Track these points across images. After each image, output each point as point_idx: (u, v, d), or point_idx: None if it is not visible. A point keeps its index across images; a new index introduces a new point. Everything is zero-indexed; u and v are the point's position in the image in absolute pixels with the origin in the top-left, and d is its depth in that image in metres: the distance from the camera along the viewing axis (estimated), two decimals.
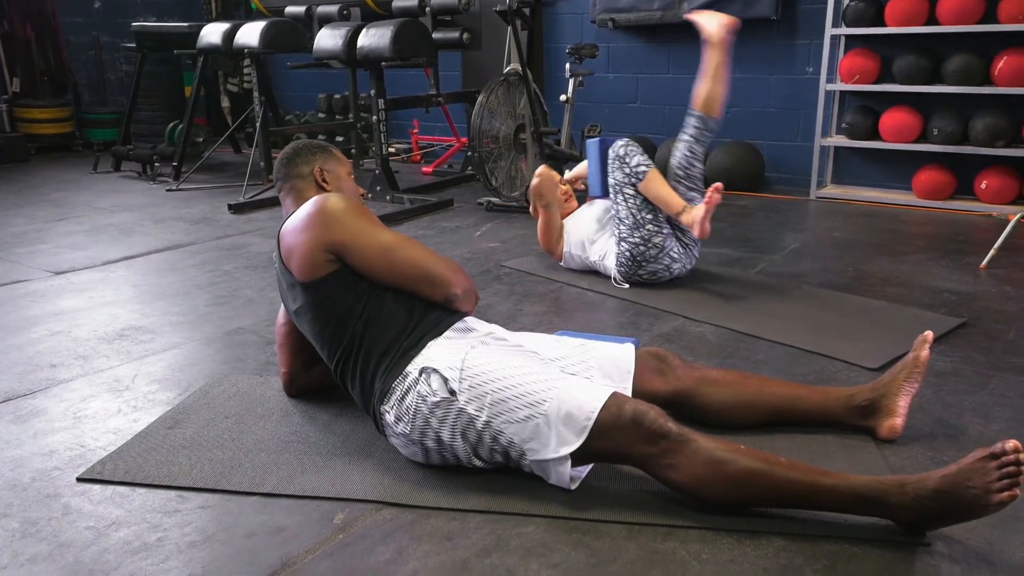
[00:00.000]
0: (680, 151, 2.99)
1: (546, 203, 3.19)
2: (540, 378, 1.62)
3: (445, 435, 1.65)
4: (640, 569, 1.41)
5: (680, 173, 2.98)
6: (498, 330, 1.89)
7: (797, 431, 1.88)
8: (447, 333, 1.78)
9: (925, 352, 1.81)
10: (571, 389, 1.60)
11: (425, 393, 1.65)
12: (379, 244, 1.77)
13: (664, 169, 3.00)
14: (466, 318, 1.87)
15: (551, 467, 1.60)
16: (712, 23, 2.91)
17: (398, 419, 1.69)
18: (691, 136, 2.96)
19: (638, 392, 1.81)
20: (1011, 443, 1.35)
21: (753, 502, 1.54)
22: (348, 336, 1.77)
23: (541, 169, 3.21)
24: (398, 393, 1.69)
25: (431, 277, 1.79)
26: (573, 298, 2.98)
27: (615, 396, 1.58)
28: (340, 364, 1.81)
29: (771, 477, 1.48)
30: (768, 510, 1.55)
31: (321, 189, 1.98)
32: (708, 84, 2.91)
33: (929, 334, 1.84)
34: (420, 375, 1.67)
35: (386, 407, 1.71)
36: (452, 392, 1.63)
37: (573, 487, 1.63)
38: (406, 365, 1.70)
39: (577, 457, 1.57)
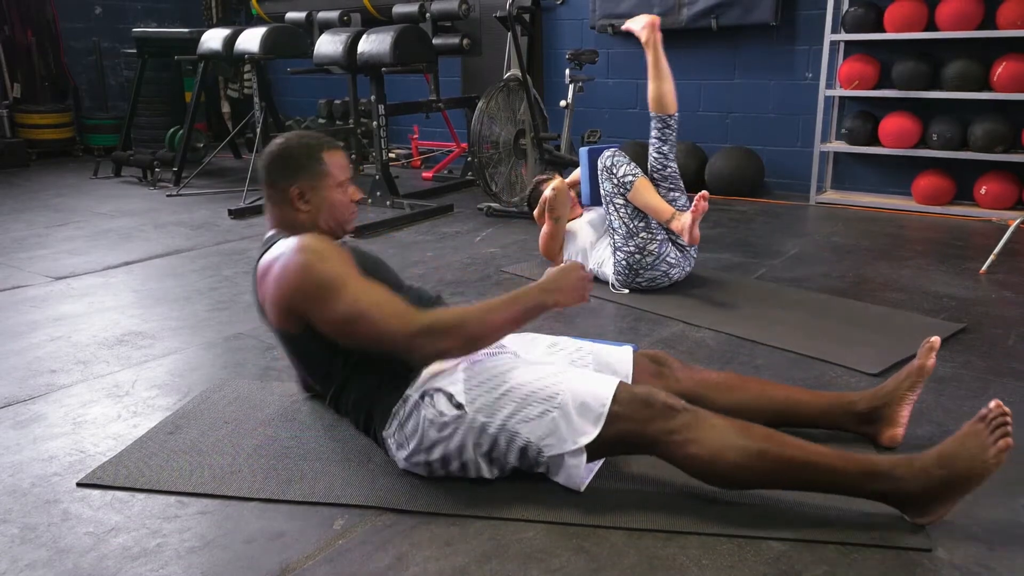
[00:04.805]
0: (651, 154, 3.03)
1: (557, 216, 3.10)
2: (546, 372, 1.63)
3: (453, 452, 1.63)
4: (640, 575, 1.41)
5: (656, 176, 3.01)
6: None
7: (797, 434, 1.86)
8: None
9: (931, 361, 1.79)
10: (581, 380, 1.61)
11: (432, 416, 1.63)
12: (340, 318, 1.62)
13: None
14: None
15: (565, 462, 1.59)
16: (638, 24, 3.00)
17: (400, 445, 1.68)
18: (656, 138, 3.01)
19: None
20: (993, 403, 1.45)
21: (765, 479, 1.54)
22: (338, 378, 1.75)
23: (557, 183, 3.08)
24: (400, 417, 1.67)
25: (393, 348, 1.64)
26: None
27: (623, 384, 1.60)
28: (333, 400, 1.80)
29: (783, 454, 1.51)
30: (767, 516, 1.55)
31: (298, 211, 1.79)
32: (653, 83, 2.97)
33: (936, 340, 1.81)
34: (423, 399, 1.65)
35: (388, 432, 1.70)
36: (460, 406, 1.62)
37: (582, 488, 1.63)
38: (405, 389, 1.68)
39: (593, 449, 1.57)
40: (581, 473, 1.60)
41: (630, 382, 1.83)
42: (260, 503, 1.66)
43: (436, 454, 1.65)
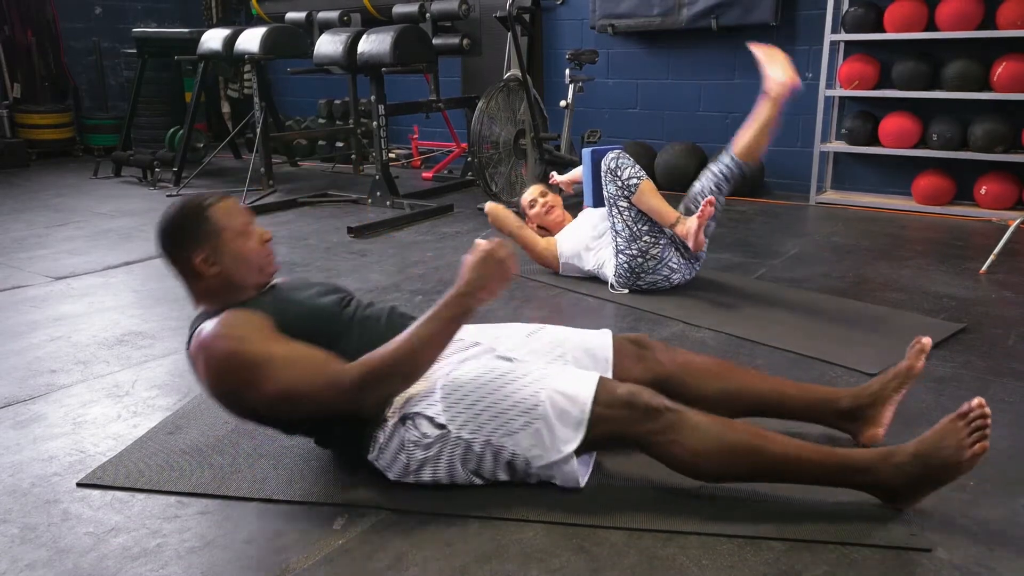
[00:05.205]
0: (706, 181, 2.90)
1: (507, 234, 3.25)
2: (526, 381, 1.60)
3: (443, 472, 1.63)
4: (640, 575, 1.41)
5: (699, 199, 2.89)
6: (467, 334, 1.83)
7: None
8: None
9: (920, 363, 1.77)
10: (560, 385, 1.59)
11: (416, 438, 1.61)
12: (273, 399, 1.55)
13: (657, 179, 3.00)
14: None
15: (557, 468, 1.59)
16: (778, 76, 2.67)
17: (386, 468, 1.67)
18: (722, 173, 2.87)
19: (618, 380, 1.77)
20: (976, 400, 1.46)
21: (748, 475, 1.56)
22: (314, 432, 1.73)
23: (488, 206, 3.29)
24: (380, 441, 1.65)
25: (335, 411, 1.61)
26: (572, 304, 2.98)
27: (603, 383, 1.58)
28: (321, 445, 1.79)
29: (765, 450, 1.52)
30: (767, 516, 1.55)
31: (210, 277, 1.68)
32: (754, 135, 2.78)
33: (927, 342, 1.78)
34: (403, 423, 1.63)
35: (371, 456, 1.67)
36: (442, 426, 1.60)
37: (582, 484, 1.63)
38: (383, 411, 1.65)
39: (579, 449, 1.57)
40: (574, 475, 1.60)
41: (611, 367, 1.81)
42: (260, 503, 1.66)
43: (425, 475, 1.64)
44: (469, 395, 1.60)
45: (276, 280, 1.80)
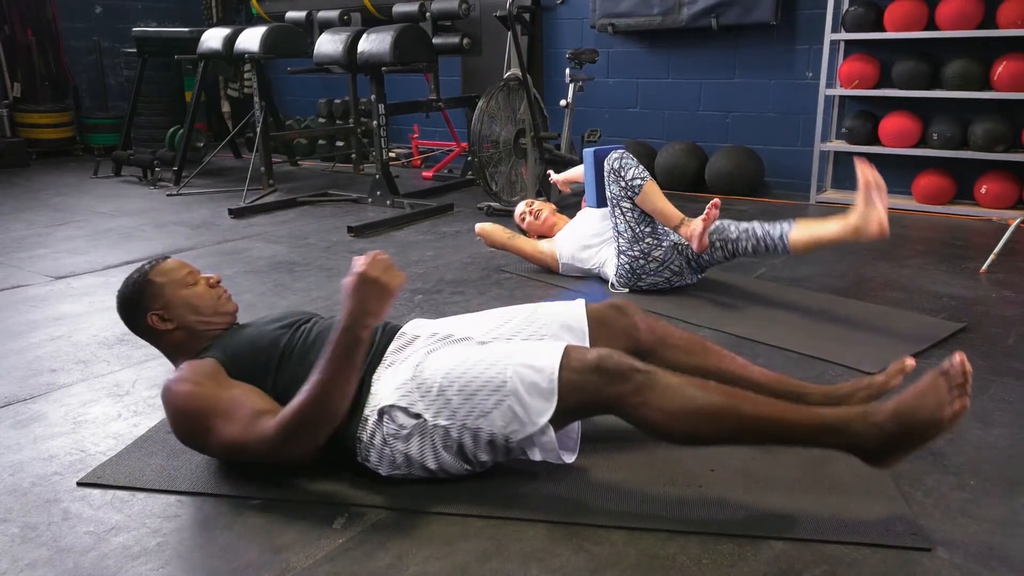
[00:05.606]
0: (744, 237, 2.83)
1: (500, 248, 3.39)
2: (491, 361, 1.61)
3: (429, 459, 1.63)
4: (640, 574, 1.41)
5: (729, 247, 2.85)
6: (443, 327, 1.86)
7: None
8: (387, 358, 1.75)
9: (897, 382, 1.74)
10: (525, 359, 1.59)
11: (395, 431, 1.62)
12: (223, 448, 1.64)
13: (657, 179, 2.99)
14: (405, 328, 1.85)
15: (536, 440, 1.58)
16: (872, 219, 2.46)
17: (377, 467, 1.67)
18: (764, 242, 2.79)
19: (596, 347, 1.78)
20: (957, 357, 1.43)
21: (722, 437, 1.53)
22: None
23: (478, 228, 3.39)
24: (364, 440, 1.66)
25: (277, 461, 1.67)
26: None
27: (569, 349, 1.58)
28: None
29: (739, 411, 1.49)
30: (767, 516, 1.55)
31: (169, 332, 1.79)
32: (816, 243, 2.69)
33: (911, 364, 1.74)
34: (381, 418, 1.64)
35: (360, 458, 1.68)
36: (418, 415, 1.61)
37: (568, 460, 1.63)
38: (362, 411, 1.66)
39: (557, 420, 1.56)
40: (554, 444, 1.59)
41: (587, 337, 1.81)
42: (261, 502, 1.66)
43: (415, 467, 1.64)
44: (440, 381, 1.61)
45: (242, 322, 1.89)
